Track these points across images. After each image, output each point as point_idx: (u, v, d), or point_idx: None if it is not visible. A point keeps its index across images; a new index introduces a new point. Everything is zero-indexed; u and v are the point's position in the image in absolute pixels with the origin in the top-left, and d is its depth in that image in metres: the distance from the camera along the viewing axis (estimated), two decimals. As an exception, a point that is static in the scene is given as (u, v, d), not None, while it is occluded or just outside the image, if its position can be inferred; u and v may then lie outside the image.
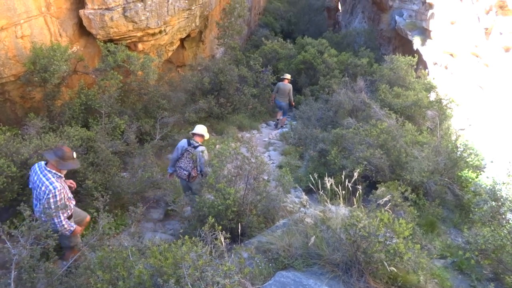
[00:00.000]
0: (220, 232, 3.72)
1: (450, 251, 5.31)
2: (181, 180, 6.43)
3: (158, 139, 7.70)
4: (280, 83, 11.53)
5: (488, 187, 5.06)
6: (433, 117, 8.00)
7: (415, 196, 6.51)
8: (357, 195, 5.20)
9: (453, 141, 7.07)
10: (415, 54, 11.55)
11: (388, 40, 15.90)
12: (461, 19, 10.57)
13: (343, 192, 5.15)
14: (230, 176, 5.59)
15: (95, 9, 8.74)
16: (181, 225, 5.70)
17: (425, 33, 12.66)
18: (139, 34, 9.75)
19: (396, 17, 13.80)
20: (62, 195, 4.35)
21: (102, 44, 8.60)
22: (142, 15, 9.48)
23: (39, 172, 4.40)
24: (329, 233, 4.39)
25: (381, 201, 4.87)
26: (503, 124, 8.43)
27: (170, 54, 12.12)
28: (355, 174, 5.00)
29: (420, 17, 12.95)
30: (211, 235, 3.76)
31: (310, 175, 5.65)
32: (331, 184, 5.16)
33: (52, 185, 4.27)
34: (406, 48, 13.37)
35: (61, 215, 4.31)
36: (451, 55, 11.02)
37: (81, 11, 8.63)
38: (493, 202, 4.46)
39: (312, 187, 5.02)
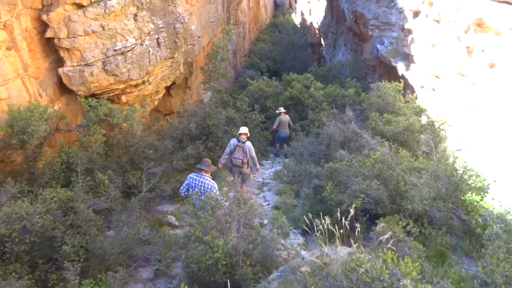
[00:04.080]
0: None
1: (465, 285, 4.81)
2: (234, 168, 8.57)
3: (145, 192, 7.29)
4: (279, 116, 12.04)
5: (497, 216, 4.64)
6: (427, 141, 7.66)
7: (420, 226, 6.06)
8: (357, 233, 4.77)
9: (452, 164, 6.70)
10: (401, 80, 11.42)
11: (373, 68, 15.88)
12: (442, 41, 10.51)
13: (341, 231, 4.73)
14: (220, 226, 5.17)
15: (74, 66, 8.59)
16: (169, 285, 5.19)
17: (408, 58, 12.60)
18: (121, 86, 9.57)
19: (378, 46, 13.82)
20: None
21: (83, 100, 8.37)
22: (123, 68, 9.34)
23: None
24: (329, 280, 3.91)
25: (382, 238, 4.43)
26: (499, 140, 8.10)
27: (156, 103, 11.94)
28: (351, 210, 4.60)
29: (401, 43, 12.95)
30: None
31: (306, 215, 5.25)
32: (327, 224, 4.75)
33: None
34: (391, 74, 13.28)
35: None
36: (437, 77, 10.87)
37: (60, 69, 8.46)
38: (505, 235, 4.02)
39: (308, 228, 4.60)
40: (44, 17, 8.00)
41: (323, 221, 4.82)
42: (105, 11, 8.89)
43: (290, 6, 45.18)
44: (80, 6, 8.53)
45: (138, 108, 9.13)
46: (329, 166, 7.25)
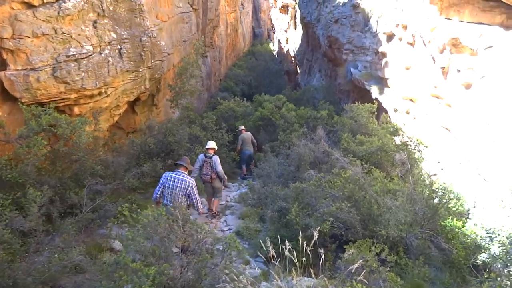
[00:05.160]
0: None
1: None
2: (205, 184, 8.28)
3: (86, 211, 6.25)
4: (241, 135, 11.38)
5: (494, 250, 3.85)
6: (403, 161, 6.97)
7: (395, 255, 5.23)
8: (321, 261, 3.90)
9: (429, 186, 5.97)
10: (375, 103, 10.90)
11: (347, 93, 15.45)
12: (416, 63, 10.08)
13: (303, 258, 3.86)
14: (162, 250, 4.20)
15: (18, 69, 7.60)
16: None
17: (381, 82, 12.16)
18: (73, 96, 8.57)
19: (352, 69, 13.41)
20: None
21: (24, 107, 7.36)
22: (76, 75, 8.39)
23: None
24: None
25: (352, 268, 3.56)
26: (476, 164, 7.48)
27: (116, 118, 10.94)
28: (315, 234, 3.75)
29: (375, 66, 12.55)
30: None
31: (269, 241, 4.38)
32: (288, 251, 3.87)
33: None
34: (365, 98, 12.78)
35: None
36: (411, 100, 10.38)
37: (1, 73, 7.45)
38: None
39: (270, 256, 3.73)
40: (-15, 13, 7.09)
41: (283, 247, 3.96)
42: (58, 13, 8.02)
43: (269, 36, 45.54)
44: (29, 6, 7.64)
45: (88, 120, 8.12)
46: (295, 186, 6.42)
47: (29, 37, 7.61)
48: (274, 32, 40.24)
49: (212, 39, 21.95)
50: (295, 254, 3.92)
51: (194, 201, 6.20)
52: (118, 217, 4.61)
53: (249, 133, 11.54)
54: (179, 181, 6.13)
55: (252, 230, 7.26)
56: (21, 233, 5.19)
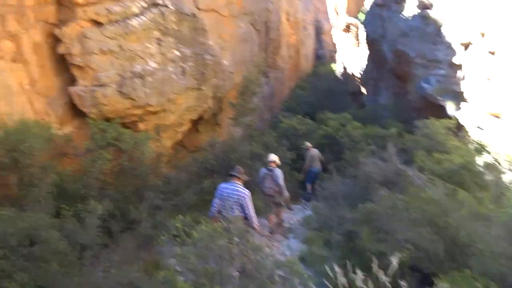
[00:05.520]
0: None
1: None
2: (266, 198, 8.05)
3: (145, 226, 6.03)
4: (309, 151, 10.98)
5: None
6: (496, 182, 5.98)
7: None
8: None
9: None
10: (451, 119, 9.83)
11: (417, 111, 14.29)
12: (499, 74, 8.94)
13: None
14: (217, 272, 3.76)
15: (86, 85, 7.80)
16: None
17: (458, 96, 11.03)
18: (138, 112, 8.65)
19: (423, 85, 12.37)
20: None
21: (91, 122, 7.47)
22: (141, 92, 8.46)
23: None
24: None
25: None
26: None
27: (180, 136, 10.94)
28: (394, 262, 3.10)
29: (450, 80, 11.45)
30: None
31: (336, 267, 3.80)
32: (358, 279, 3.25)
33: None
34: (439, 115, 11.56)
35: None
36: (496, 115, 9.19)
37: (71, 88, 7.68)
38: None
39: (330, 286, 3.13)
40: (57, 31, 7.35)
41: (354, 275, 3.34)
42: (124, 31, 8.21)
43: (331, 58, 44.84)
44: (97, 24, 7.89)
45: (151, 135, 8.07)
46: (364, 207, 5.71)
47: (96, 54, 7.80)
48: (336, 53, 39.50)
49: (274, 60, 21.85)
50: (371, 285, 3.27)
51: (247, 214, 5.82)
52: (171, 232, 4.26)
53: (316, 150, 11.06)
54: (233, 192, 5.89)
55: (316, 255, 6.61)
56: (80, 246, 5.04)
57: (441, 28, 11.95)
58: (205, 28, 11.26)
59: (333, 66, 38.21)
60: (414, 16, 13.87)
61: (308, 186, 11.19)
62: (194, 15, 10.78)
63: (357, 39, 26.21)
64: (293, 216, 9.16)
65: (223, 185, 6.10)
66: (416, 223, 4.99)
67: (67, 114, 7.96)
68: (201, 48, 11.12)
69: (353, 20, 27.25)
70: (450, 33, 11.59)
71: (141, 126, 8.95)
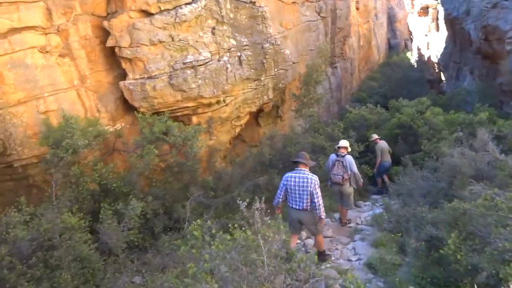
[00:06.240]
0: None
1: None
2: (334, 186, 7.09)
3: (187, 228, 5.35)
4: (378, 144, 9.67)
5: None
6: None
7: None
8: None
9: None
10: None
11: (511, 95, 12.07)
12: None
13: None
14: None
15: (136, 78, 7.38)
16: None
17: None
18: (190, 104, 8.07)
19: (520, 61, 10.28)
20: None
21: (139, 115, 7.01)
22: (193, 83, 7.86)
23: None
24: None
25: None
26: None
27: (237, 130, 10.23)
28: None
29: (557, 54, 9.29)
30: None
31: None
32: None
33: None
34: (543, 97, 9.56)
35: None
36: None
37: (121, 83, 7.30)
38: None
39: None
40: (105, 23, 7.00)
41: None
42: (175, 20, 7.65)
43: (406, 47, 41.63)
44: (147, 14, 7.42)
45: (202, 128, 7.41)
46: (453, 206, 4.40)
47: (146, 45, 7.32)
48: (412, 41, 36.40)
49: (342, 50, 20.37)
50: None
51: (316, 203, 5.28)
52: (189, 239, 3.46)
53: (385, 142, 9.69)
54: (302, 180, 5.32)
55: (388, 263, 5.40)
56: (109, 250, 4.48)
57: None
58: (265, 16, 10.41)
59: (408, 55, 35.29)
60: (506, -16, 11.69)
61: (379, 181, 9.86)
62: (252, 2, 9.98)
63: (436, 22, 23.58)
64: (361, 214, 7.92)
65: (289, 174, 5.51)
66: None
67: (119, 109, 7.63)
68: (260, 37, 10.30)
69: (430, 1, 24.59)
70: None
71: (195, 119, 8.38)
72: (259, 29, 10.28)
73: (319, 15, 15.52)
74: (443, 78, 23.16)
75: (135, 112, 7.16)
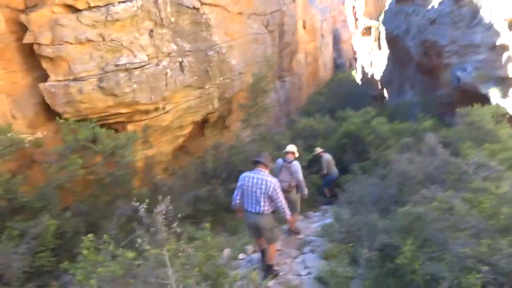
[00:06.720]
0: None
1: None
2: None
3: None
4: (324, 157, 9.31)
5: None
6: None
7: None
8: None
9: None
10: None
11: (450, 106, 12.36)
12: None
13: None
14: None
15: (59, 80, 6.47)
16: None
17: (503, 82, 9.12)
18: (124, 110, 7.23)
19: (458, 73, 10.52)
20: None
21: (61, 121, 6.09)
22: (126, 87, 7.05)
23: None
24: None
25: None
26: None
27: (181, 140, 9.47)
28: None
29: (492, 65, 9.56)
30: None
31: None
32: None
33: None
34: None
35: None
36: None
37: (41, 85, 6.31)
38: None
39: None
40: (22, 17, 6.07)
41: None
42: (106, 18, 6.85)
43: (350, 66, 43.08)
44: (73, 9, 6.59)
45: (136, 135, 6.61)
46: (406, 210, 3.97)
47: (71, 43, 6.43)
48: (356, 60, 37.70)
49: (290, 65, 20.35)
50: None
51: (279, 205, 4.93)
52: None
53: (329, 155, 9.44)
54: (260, 182, 4.87)
55: (340, 276, 4.88)
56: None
57: (479, 9, 10.11)
58: (209, 23, 9.88)
59: (353, 73, 36.42)
60: (443, 2, 12.08)
61: (326, 191, 9.50)
62: (195, 8, 9.41)
63: (378, 42, 24.42)
64: (310, 225, 7.43)
65: (247, 174, 5.07)
66: (491, 232, 3.24)
67: (40, 116, 6.62)
68: (204, 44, 9.72)
69: (372, 23, 25.52)
70: (488, 13, 9.76)
71: (130, 127, 7.54)
72: (203, 36, 9.71)
73: (266, 28, 15.29)
74: (386, 94, 23.88)
75: (57, 118, 6.21)
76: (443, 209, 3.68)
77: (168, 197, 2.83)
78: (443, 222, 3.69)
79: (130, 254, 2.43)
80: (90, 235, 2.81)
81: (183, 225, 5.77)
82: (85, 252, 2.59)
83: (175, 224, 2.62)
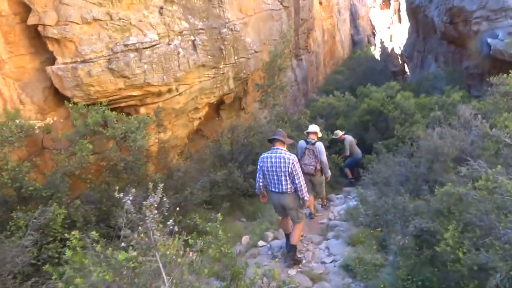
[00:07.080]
0: None
1: None
2: (305, 177, 5.44)
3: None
4: (346, 139, 8.88)
5: None
6: None
7: None
8: None
9: None
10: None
11: (479, 77, 11.57)
12: None
13: None
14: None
15: (66, 63, 6.15)
16: None
17: (541, 49, 8.33)
18: (136, 93, 6.89)
19: (489, 41, 9.70)
20: None
21: (70, 105, 5.79)
22: (137, 68, 6.68)
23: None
24: None
25: None
26: None
27: (196, 123, 9.11)
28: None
29: (527, 30, 8.75)
30: None
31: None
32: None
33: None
34: (513, 76, 8.98)
35: None
36: None
37: (48, 68, 6.01)
38: None
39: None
40: (25, -3, 5.75)
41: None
42: (113, -5, 6.51)
43: (369, 42, 41.67)
44: (78, -13, 6.24)
45: (149, 118, 6.26)
46: (447, 191, 3.50)
47: (77, 23, 6.06)
48: (374, 36, 36.33)
49: (306, 43, 19.59)
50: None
51: (297, 184, 4.71)
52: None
53: (350, 136, 9.01)
54: (279, 160, 4.71)
55: (369, 264, 4.48)
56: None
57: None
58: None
59: (371, 49, 35.19)
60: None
61: (348, 172, 9.03)
62: (206, -17, 8.91)
63: (398, 14, 23.26)
64: (333, 208, 7.01)
65: (265, 154, 4.92)
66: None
67: (49, 101, 6.33)
68: (217, 22, 9.24)
69: (391, -6, 24.28)
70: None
71: (143, 110, 7.21)
72: (215, 13, 9.23)
73: (281, 4, 14.62)
74: (406, 69, 22.87)
75: (66, 102, 5.91)
76: (489, 189, 3.20)
77: (161, 185, 2.43)
78: (489, 203, 3.21)
79: (121, 256, 2.07)
80: (74, 232, 2.46)
81: (198, 211, 5.47)
82: (68, 253, 2.25)
83: (170, 222, 2.22)
